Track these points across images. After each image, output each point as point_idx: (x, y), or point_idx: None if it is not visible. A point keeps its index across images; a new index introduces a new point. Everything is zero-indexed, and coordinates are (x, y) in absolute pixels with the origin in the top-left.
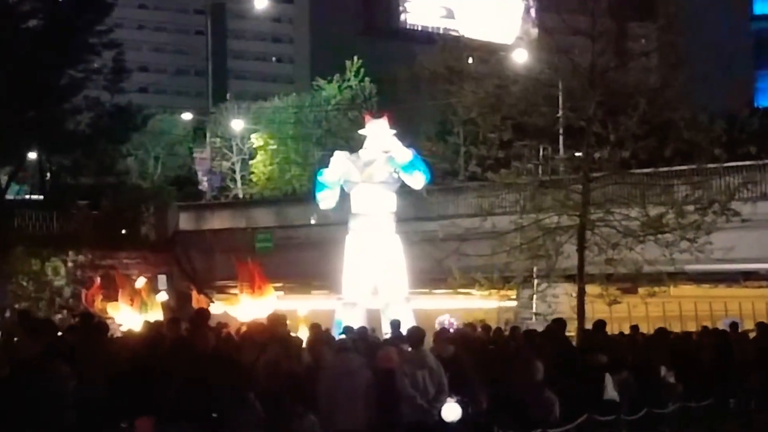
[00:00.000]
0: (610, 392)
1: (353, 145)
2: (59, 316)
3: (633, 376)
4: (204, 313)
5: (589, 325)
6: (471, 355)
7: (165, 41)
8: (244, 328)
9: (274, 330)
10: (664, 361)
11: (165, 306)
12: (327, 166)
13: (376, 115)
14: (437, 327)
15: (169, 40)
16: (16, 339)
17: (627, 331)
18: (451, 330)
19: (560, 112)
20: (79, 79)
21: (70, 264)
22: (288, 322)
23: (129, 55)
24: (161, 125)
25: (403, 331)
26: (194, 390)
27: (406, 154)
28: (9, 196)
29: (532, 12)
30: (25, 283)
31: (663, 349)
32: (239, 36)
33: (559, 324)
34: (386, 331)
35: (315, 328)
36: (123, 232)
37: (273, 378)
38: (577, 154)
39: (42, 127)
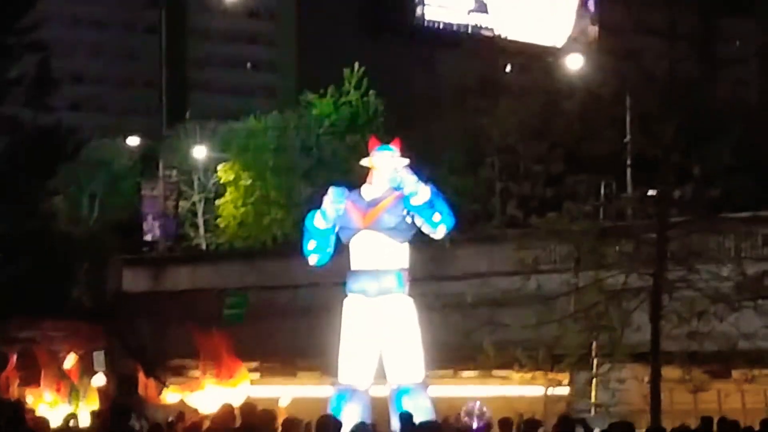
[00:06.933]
0: None
1: (353, 179)
2: None
3: None
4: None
5: (670, 422)
6: None
7: (105, 41)
8: (207, 424)
9: (251, 429)
10: None
11: (102, 393)
12: (318, 208)
13: (384, 140)
14: (463, 418)
15: (110, 40)
16: None
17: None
18: (475, 423)
19: (628, 137)
20: None
21: None
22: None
23: (58, 60)
24: (99, 153)
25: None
26: None
27: (424, 192)
28: None
29: (591, 5)
30: None
31: None
32: (204, 35)
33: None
34: (395, 427)
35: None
36: (47, 295)
37: None
38: (650, 192)
39: None
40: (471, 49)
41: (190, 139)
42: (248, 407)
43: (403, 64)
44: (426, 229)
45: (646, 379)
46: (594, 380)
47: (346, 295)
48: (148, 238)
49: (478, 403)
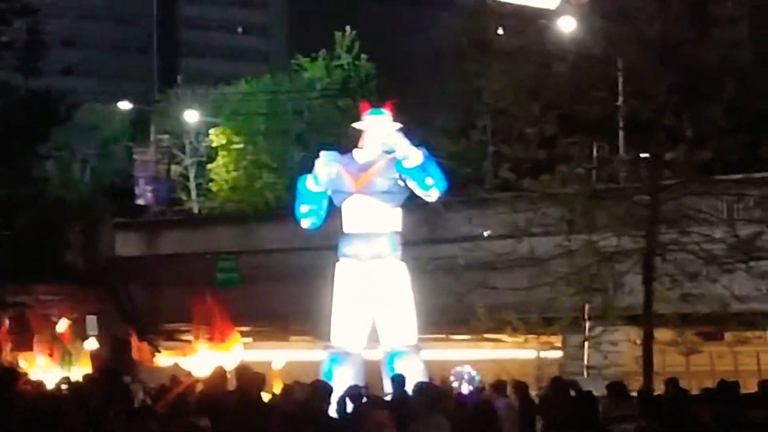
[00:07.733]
0: None
1: (345, 143)
2: None
3: None
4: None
5: (661, 384)
6: None
7: (96, 6)
8: (200, 387)
9: (245, 392)
10: None
11: (95, 357)
12: (310, 171)
13: (376, 104)
14: (452, 383)
15: (102, 4)
16: None
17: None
18: (465, 389)
19: (620, 100)
20: None
21: None
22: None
23: (48, 25)
24: (91, 118)
25: (410, 389)
26: None
27: (416, 156)
28: None
29: None
30: None
31: None
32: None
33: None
34: (388, 390)
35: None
36: (40, 259)
37: None
38: (642, 155)
39: None
40: (463, 11)
41: (182, 104)
42: (242, 370)
43: (395, 27)
44: (418, 192)
45: (639, 341)
46: (586, 343)
47: (338, 259)
48: (140, 202)
49: (467, 368)
